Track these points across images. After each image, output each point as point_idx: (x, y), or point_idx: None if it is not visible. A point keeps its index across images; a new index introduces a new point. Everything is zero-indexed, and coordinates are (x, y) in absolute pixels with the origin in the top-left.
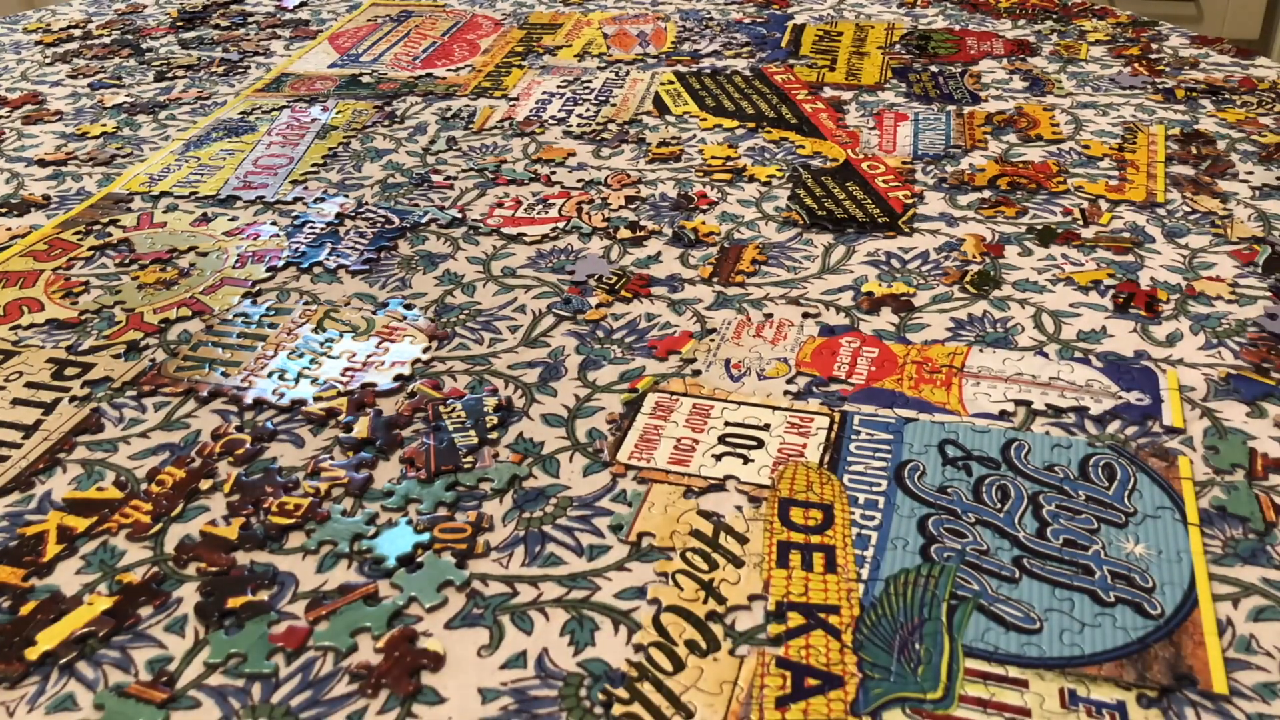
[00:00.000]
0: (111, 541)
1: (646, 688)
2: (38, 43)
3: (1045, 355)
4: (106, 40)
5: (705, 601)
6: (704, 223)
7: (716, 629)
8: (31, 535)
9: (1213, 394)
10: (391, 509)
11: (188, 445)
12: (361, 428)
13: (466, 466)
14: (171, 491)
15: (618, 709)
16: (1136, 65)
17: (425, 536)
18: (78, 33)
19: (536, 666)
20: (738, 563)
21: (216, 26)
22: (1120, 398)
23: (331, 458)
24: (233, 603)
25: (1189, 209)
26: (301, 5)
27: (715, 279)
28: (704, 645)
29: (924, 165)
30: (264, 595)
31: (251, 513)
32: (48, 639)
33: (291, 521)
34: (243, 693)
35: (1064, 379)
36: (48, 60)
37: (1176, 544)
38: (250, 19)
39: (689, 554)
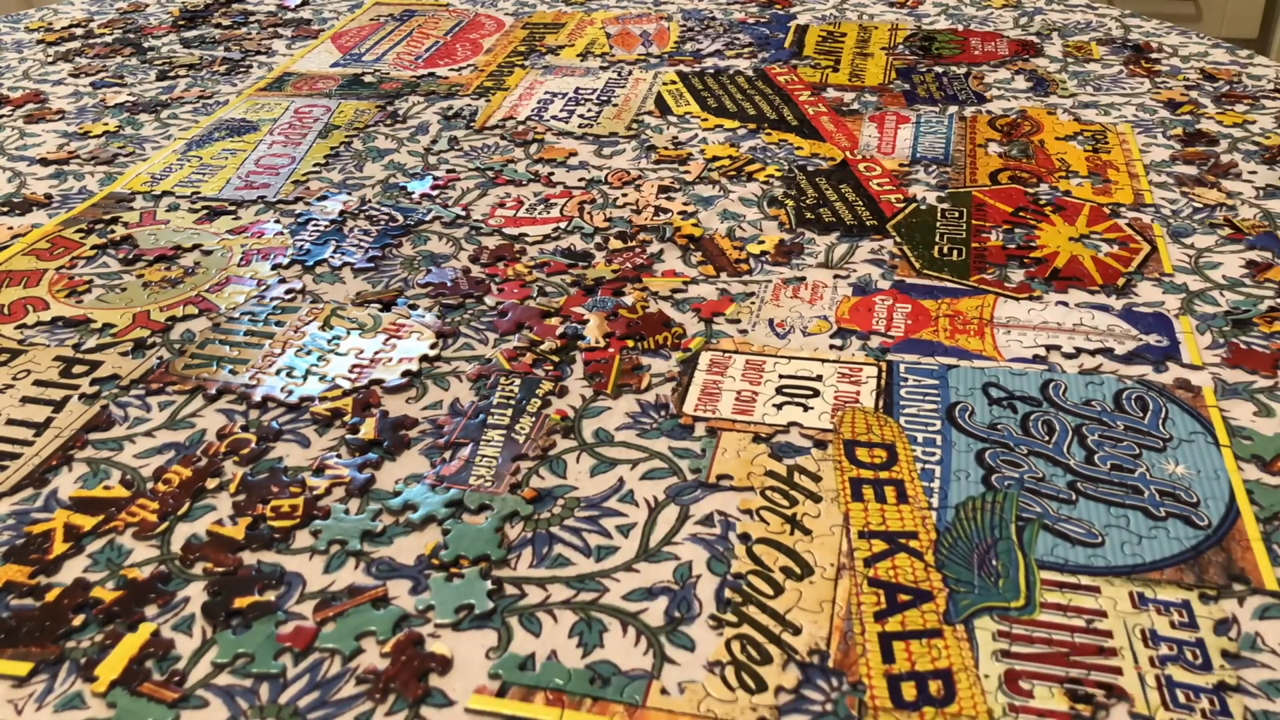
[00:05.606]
0: (118, 540)
1: (752, 610)
2: (39, 41)
3: (1066, 305)
4: (108, 39)
5: (792, 534)
6: (696, 224)
7: (808, 556)
8: (39, 533)
9: (1220, 395)
10: (394, 511)
11: (193, 444)
12: (368, 428)
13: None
14: (178, 490)
15: (728, 631)
16: (1134, 66)
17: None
18: (79, 31)
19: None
20: (816, 498)
21: (218, 25)
22: (1141, 339)
23: (339, 456)
24: (240, 602)
25: (1195, 206)
26: (303, 4)
27: (721, 275)
28: (799, 571)
29: (925, 167)
30: (271, 595)
31: (257, 512)
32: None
33: (293, 523)
34: (250, 693)
35: (1087, 324)
36: (50, 59)
37: (1213, 463)
38: (252, 18)
39: (768, 492)
